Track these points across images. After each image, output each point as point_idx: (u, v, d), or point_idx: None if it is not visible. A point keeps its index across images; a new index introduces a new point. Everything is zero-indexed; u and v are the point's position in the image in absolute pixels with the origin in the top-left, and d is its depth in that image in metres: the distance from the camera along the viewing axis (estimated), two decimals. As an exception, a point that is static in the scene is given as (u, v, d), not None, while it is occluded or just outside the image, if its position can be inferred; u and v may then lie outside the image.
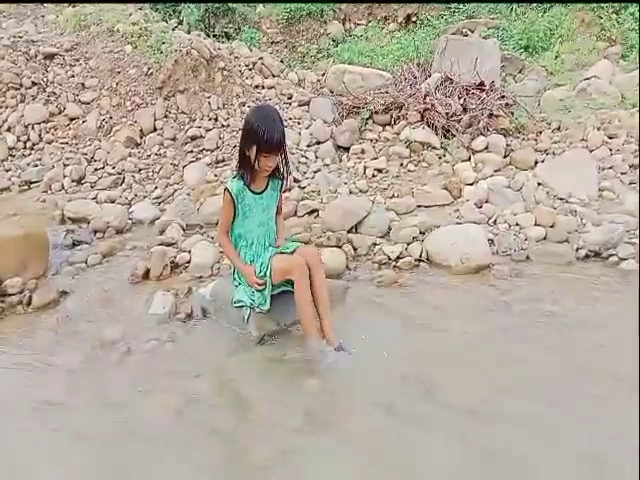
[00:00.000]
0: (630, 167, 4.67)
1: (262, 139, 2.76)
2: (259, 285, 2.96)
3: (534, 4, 7.94)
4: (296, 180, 4.75)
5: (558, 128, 5.35)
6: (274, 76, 6.30)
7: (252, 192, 2.98)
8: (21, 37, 6.22)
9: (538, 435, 2.34)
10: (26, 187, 5.02)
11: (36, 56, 5.99)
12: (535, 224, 4.07)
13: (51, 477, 2.28)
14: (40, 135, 5.44)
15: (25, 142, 5.41)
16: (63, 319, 3.26)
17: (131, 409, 2.61)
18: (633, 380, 2.61)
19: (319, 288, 2.94)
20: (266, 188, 3.03)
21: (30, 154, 5.33)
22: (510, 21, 7.62)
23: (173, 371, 2.86)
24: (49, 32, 6.66)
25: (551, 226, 4.03)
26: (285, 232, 3.33)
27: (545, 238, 3.97)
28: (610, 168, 4.68)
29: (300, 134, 5.36)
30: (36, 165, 5.17)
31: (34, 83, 5.76)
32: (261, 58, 6.39)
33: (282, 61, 7.18)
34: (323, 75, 6.56)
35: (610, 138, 5.01)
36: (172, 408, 2.62)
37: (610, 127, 5.10)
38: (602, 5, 7.40)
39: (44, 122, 5.52)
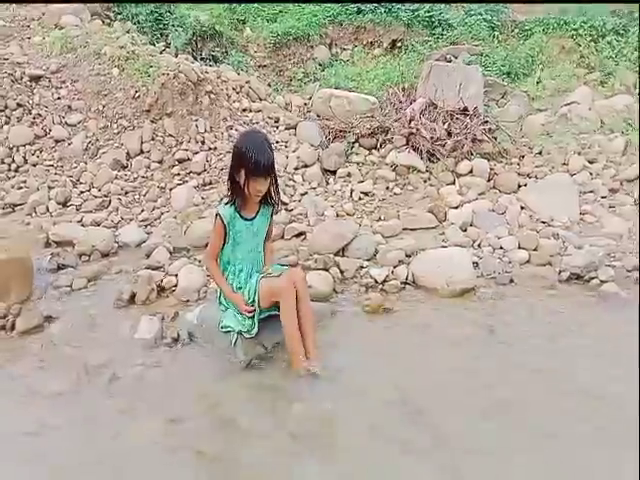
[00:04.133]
0: (610, 191, 4.77)
1: (250, 163, 2.79)
2: (249, 312, 2.96)
3: (515, 32, 8.13)
4: (283, 203, 4.77)
5: (540, 152, 5.46)
6: (261, 100, 6.35)
7: (243, 218, 2.99)
8: (7, 59, 6.20)
9: (521, 462, 2.36)
10: (10, 210, 4.95)
11: (22, 78, 5.98)
12: (519, 247, 4.13)
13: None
14: (25, 157, 5.40)
15: (9, 164, 5.35)
16: (47, 344, 3.22)
17: (117, 434, 2.58)
18: (620, 402, 2.65)
19: (304, 307, 2.97)
20: (257, 214, 3.05)
21: (14, 176, 5.26)
22: (492, 48, 7.78)
23: (159, 396, 2.84)
24: (35, 54, 6.65)
25: (534, 249, 4.10)
26: (272, 256, 3.33)
27: (528, 261, 4.03)
28: (591, 192, 4.79)
29: (287, 157, 5.41)
30: (20, 187, 5.11)
31: (19, 105, 5.73)
32: (248, 82, 6.44)
33: (269, 85, 7.25)
34: (310, 99, 6.63)
35: (590, 163, 5.13)
36: (158, 433, 2.60)
37: (590, 152, 5.22)
38: (580, 33, 7.60)
39: (29, 144, 5.48)
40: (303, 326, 2.96)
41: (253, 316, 2.98)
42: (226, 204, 2.99)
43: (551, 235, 4.24)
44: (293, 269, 3.17)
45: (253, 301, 2.95)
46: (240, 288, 3.04)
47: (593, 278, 3.79)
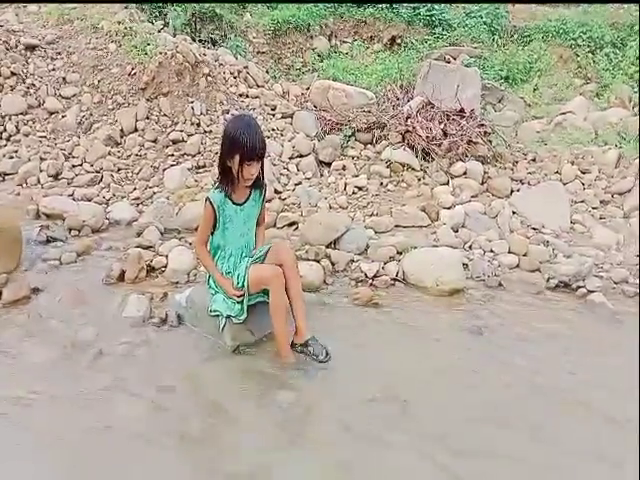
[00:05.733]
0: (601, 203, 4.82)
1: (245, 148, 2.76)
2: (238, 297, 2.95)
3: (514, 37, 8.17)
4: (277, 191, 4.76)
5: (534, 159, 5.50)
6: (258, 86, 6.30)
7: (233, 203, 2.98)
8: (1, 26, 6.09)
9: (507, 462, 2.39)
10: (0, 179, 4.91)
11: (16, 46, 5.87)
12: (509, 252, 4.15)
13: (14, 476, 2.22)
14: (17, 127, 5.32)
15: (1, 133, 5.28)
16: (34, 316, 3.19)
17: (99, 411, 2.57)
18: (604, 405, 2.71)
19: (292, 281, 2.98)
20: (247, 199, 3.03)
21: (6, 145, 5.19)
22: (492, 51, 7.80)
23: (145, 376, 2.83)
24: (31, 23, 6.54)
25: (524, 254, 4.12)
26: (264, 242, 3.32)
27: (518, 266, 4.06)
28: (582, 202, 4.82)
29: (282, 146, 5.38)
30: (12, 157, 5.05)
31: (13, 73, 5.63)
32: (246, 67, 6.39)
33: (267, 72, 7.18)
34: (307, 89, 6.59)
35: (583, 173, 5.16)
36: (141, 413, 2.60)
37: (583, 162, 5.26)
38: (579, 44, 7.67)
39: (22, 114, 5.41)
40: (292, 301, 2.99)
41: (242, 301, 2.97)
42: (216, 189, 2.97)
43: (541, 242, 4.27)
44: (277, 242, 3.18)
45: (242, 286, 2.94)
46: (229, 273, 3.03)
47: (580, 287, 3.82)
